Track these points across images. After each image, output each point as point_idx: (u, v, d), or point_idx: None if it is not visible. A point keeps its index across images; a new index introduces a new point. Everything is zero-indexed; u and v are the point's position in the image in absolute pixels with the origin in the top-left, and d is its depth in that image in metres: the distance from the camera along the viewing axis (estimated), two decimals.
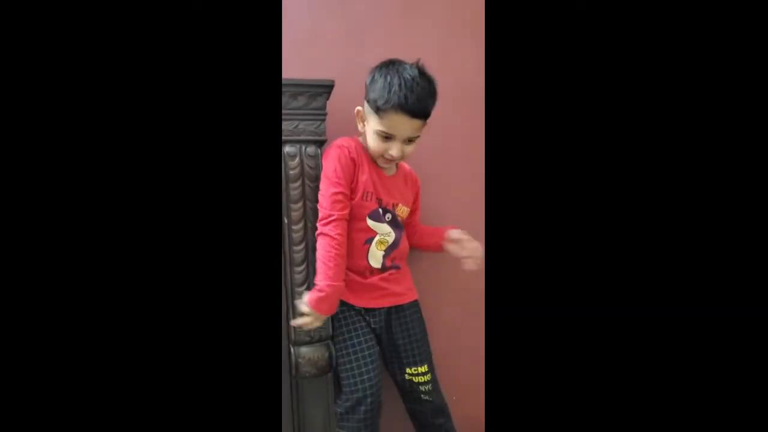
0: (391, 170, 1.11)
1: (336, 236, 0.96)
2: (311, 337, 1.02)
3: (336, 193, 0.98)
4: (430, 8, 1.26)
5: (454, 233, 1.12)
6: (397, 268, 1.10)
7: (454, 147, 1.29)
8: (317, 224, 0.99)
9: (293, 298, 1.01)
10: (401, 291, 1.10)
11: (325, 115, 1.03)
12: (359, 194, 1.02)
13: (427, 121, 1.01)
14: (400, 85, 0.94)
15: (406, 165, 1.15)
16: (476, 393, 1.11)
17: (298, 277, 1.01)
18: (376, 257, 1.06)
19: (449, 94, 1.23)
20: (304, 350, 1.01)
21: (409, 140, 1.01)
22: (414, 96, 0.94)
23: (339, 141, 1.04)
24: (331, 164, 1.00)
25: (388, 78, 0.96)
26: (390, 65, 0.99)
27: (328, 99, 1.03)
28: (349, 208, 1.00)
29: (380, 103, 0.95)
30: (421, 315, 1.14)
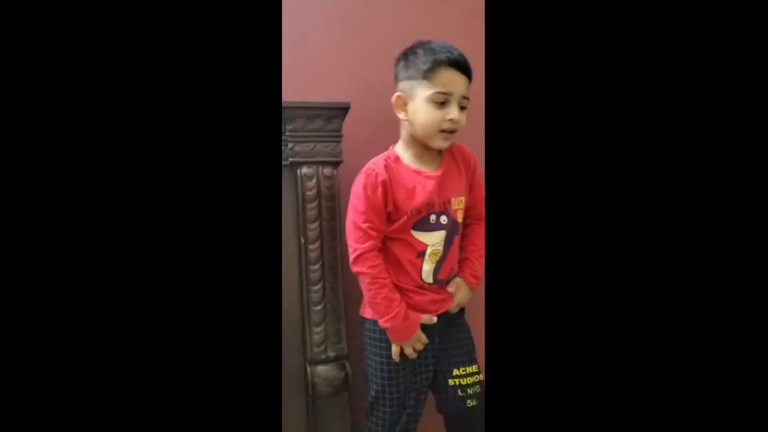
0: (437, 159, 1.01)
1: (368, 270, 0.94)
2: (327, 357, 1.03)
3: (359, 228, 0.94)
4: (444, 31, 1.28)
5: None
6: (448, 282, 1.03)
7: None
8: (350, 262, 0.97)
9: (310, 317, 1.02)
10: (445, 298, 1.03)
11: (340, 136, 1.05)
12: (403, 216, 0.95)
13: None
14: (440, 46, 0.94)
15: (454, 144, 1.04)
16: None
17: (315, 296, 1.03)
18: (427, 272, 0.99)
19: None
20: (320, 369, 1.02)
21: (461, 107, 0.95)
22: (457, 52, 0.94)
23: (367, 165, 0.99)
24: (356, 193, 0.97)
25: (425, 46, 0.95)
26: (416, 44, 0.97)
27: (343, 121, 1.06)
28: (381, 234, 0.96)
29: (429, 65, 0.92)
30: (468, 326, 1.08)
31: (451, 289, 1.03)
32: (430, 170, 0.99)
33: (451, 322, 1.04)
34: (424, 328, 0.99)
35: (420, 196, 0.96)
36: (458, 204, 1.01)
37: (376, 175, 0.95)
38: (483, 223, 1.09)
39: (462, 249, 1.08)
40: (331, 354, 1.03)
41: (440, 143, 0.97)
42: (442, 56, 0.92)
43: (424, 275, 0.99)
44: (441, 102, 0.93)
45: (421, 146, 1.00)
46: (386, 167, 0.97)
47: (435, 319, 0.99)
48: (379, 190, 0.94)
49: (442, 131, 0.94)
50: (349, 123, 1.07)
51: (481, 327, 0.68)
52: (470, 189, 1.05)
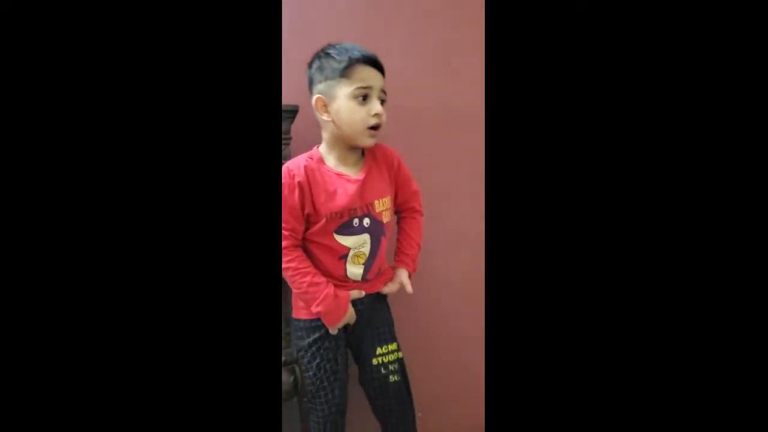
0: (359, 162, 1.02)
1: (287, 265, 0.94)
2: None
3: None
4: (393, 33, 1.29)
5: (401, 283, 1.07)
6: (379, 274, 1.05)
7: (453, 155, 1.30)
8: None
9: None
10: (375, 284, 1.05)
11: (289, 139, 1.04)
12: (323, 219, 0.95)
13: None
14: (351, 46, 0.95)
15: (376, 145, 1.03)
16: (476, 403, 1.09)
17: None
18: (354, 273, 1.00)
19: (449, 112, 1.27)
20: None
21: (382, 101, 0.96)
22: (368, 51, 0.95)
23: (287, 164, 0.97)
24: None
25: (336, 47, 0.95)
26: (325, 46, 0.98)
27: (292, 123, 1.04)
28: (297, 235, 0.96)
29: (345, 63, 0.92)
30: (388, 305, 1.11)
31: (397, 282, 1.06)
32: (353, 173, 0.99)
33: (375, 304, 1.05)
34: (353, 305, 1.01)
35: (341, 200, 0.95)
36: (382, 206, 1.00)
37: (293, 176, 0.94)
38: (419, 216, 1.11)
39: (399, 242, 1.10)
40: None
41: (367, 141, 0.96)
42: (356, 54, 0.93)
43: (350, 275, 0.99)
44: (363, 97, 0.93)
45: (344, 148, 0.99)
46: (306, 168, 0.96)
47: (363, 293, 1.01)
48: (296, 192, 0.93)
49: (369, 128, 0.95)
50: (298, 125, 1.06)
51: (481, 327, 0.68)
52: (398, 187, 1.06)
